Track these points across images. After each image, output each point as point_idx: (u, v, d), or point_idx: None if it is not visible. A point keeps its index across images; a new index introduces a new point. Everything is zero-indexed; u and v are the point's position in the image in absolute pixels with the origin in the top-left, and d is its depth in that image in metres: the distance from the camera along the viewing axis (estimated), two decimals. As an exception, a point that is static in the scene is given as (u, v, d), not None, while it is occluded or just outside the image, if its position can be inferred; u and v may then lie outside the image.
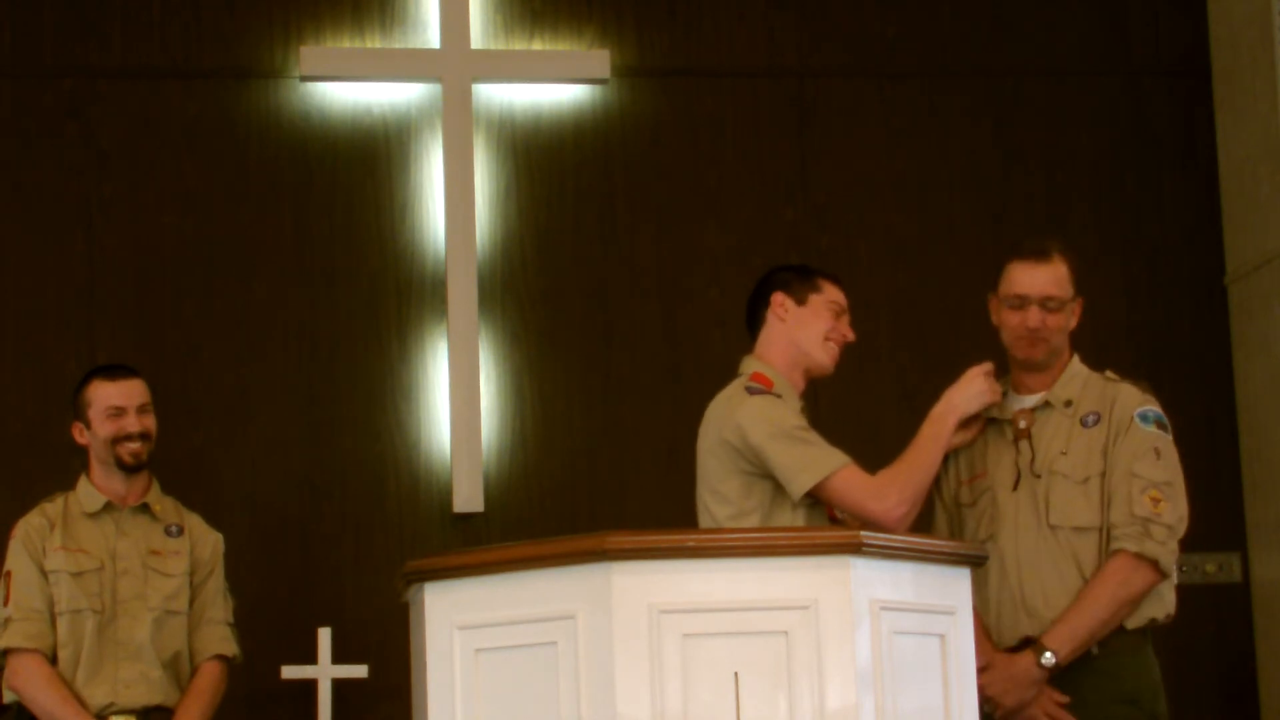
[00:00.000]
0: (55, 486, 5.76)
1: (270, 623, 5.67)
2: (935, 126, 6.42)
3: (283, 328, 6.06)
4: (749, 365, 4.57)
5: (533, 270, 6.20)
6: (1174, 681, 6.10)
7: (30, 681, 4.93)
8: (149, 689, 4.98)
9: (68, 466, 5.85)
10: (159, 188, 6.08)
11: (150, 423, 5.09)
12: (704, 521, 4.45)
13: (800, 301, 4.54)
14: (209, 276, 6.05)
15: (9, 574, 5.03)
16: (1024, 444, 4.57)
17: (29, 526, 5.07)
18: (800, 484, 4.26)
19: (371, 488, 6.02)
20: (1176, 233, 6.45)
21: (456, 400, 5.99)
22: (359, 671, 5.70)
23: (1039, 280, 4.56)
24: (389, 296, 6.12)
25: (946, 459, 4.57)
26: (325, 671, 5.65)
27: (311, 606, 5.79)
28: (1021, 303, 4.56)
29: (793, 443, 4.30)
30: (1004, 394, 4.62)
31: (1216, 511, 6.25)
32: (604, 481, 6.12)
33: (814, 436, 4.34)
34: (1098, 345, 6.14)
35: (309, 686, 5.65)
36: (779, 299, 4.56)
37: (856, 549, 3.39)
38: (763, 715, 3.30)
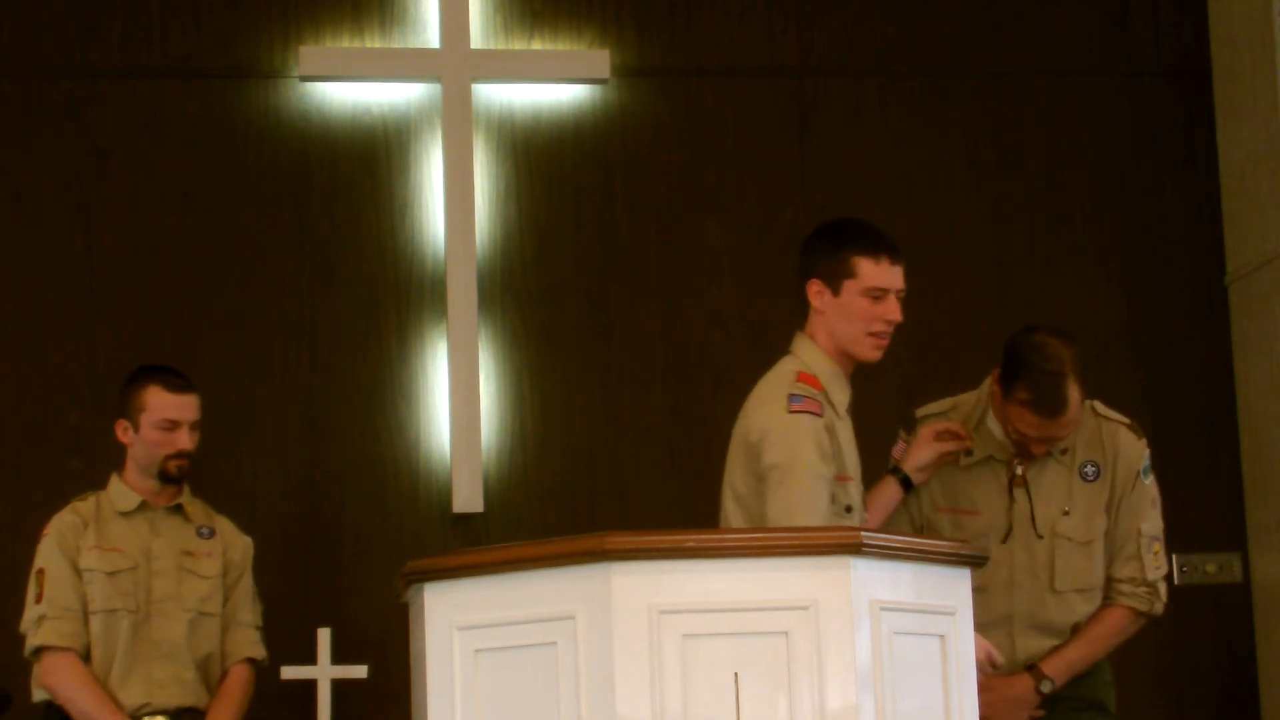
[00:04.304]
0: (55, 486, 5.77)
1: (270, 623, 5.66)
2: (935, 126, 6.41)
3: (283, 328, 6.06)
4: (800, 347, 4.28)
5: (533, 270, 6.20)
6: (1174, 681, 6.13)
7: (66, 681, 4.91)
8: (182, 690, 4.98)
9: (67, 466, 5.87)
10: (159, 188, 6.08)
11: (197, 439, 5.09)
12: (724, 510, 4.29)
13: (835, 290, 4.21)
14: (209, 276, 6.05)
15: (42, 571, 4.99)
16: (1020, 493, 4.55)
17: (62, 524, 5.02)
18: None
19: (371, 488, 6.02)
20: (1176, 233, 6.45)
21: (456, 400, 5.99)
22: (359, 672, 5.69)
23: (1063, 432, 4.49)
24: (388, 297, 6.11)
25: (918, 487, 4.60)
26: (325, 672, 5.65)
27: (311, 606, 5.79)
28: (1030, 441, 4.50)
29: (789, 484, 4.08)
30: (980, 427, 4.61)
31: (1216, 511, 6.25)
32: (604, 481, 6.12)
33: (814, 481, 4.10)
34: (1098, 345, 6.17)
35: (309, 687, 5.65)
36: (815, 288, 4.24)
37: (856, 549, 3.38)
38: (763, 715, 3.30)
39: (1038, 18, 6.50)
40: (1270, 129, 6.08)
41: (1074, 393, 4.42)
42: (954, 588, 3.63)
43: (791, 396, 4.15)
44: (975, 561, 3.73)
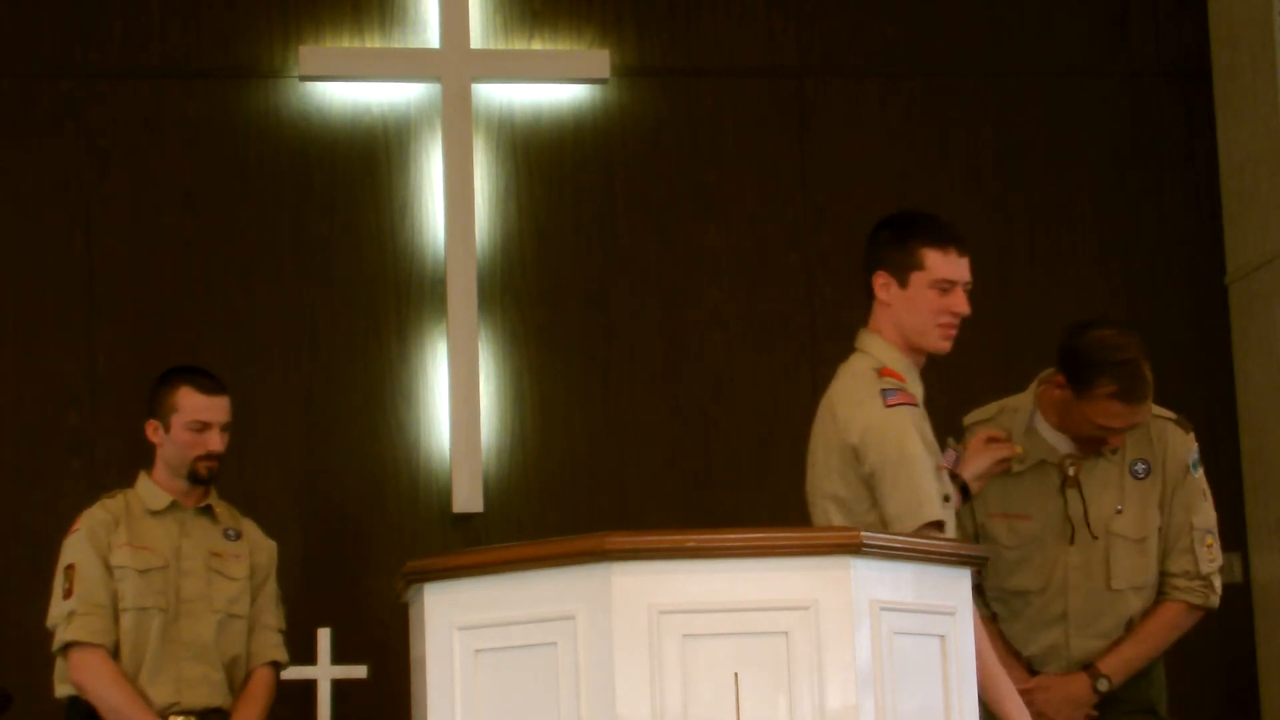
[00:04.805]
0: (55, 486, 5.77)
1: (270, 623, 5.67)
2: (935, 126, 6.41)
3: (283, 328, 6.06)
4: (869, 344, 4.17)
5: (532, 270, 6.20)
6: (1174, 681, 6.10)
7: (97, 677, 4.87)
8: (210, 690, 4.96)
9: (67, 467, 5.86)
10: (159, 188, 6.08)
11: (227, 441, 5.06)
12: (819, 518, 4.18)
13: (903, 283, 4.11)
14: (209, 276, 6.05)
15: (72, 567, 4.93)
16: (1073, 494, 4.56)
17: (93, 520, 4.97)
18: (903, 528, 3.97)
19: (371, 488, 6.02)
20: (1176, 233, 6.45)
21: (456, 400, 5.99)
22: (359, 672, 5.70)
23: (1146, 416, 4.52)
24: (389, 297, 6.11)
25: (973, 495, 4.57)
26: (325, 672, 5.65)
27: (311, 606, 5.78)
28: (1113, 432, 4.52)
29: (906, 479, 3.98)
30: (1029, 431, 4.60)
31: (1217, 511, 6.23)
32: (604, 481, 6.11)
33: (928, 472, 4.01)
34: (1098, 345, 6.14)
35: (309, 687, 5.65)
36: (881, 280, 4.13)
37: (857, 549, 3.38)
38: (763, 716, 3.30)
39: (1038, 18, 6.50)
40: (1270, 129, 6.08)
41: (1150, 374, 4.45)
42: (954, 588, 3.63)
43: (884, 391, 4.05)
44: (975, 562, 3.73)
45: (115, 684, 4.87)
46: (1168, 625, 4.61)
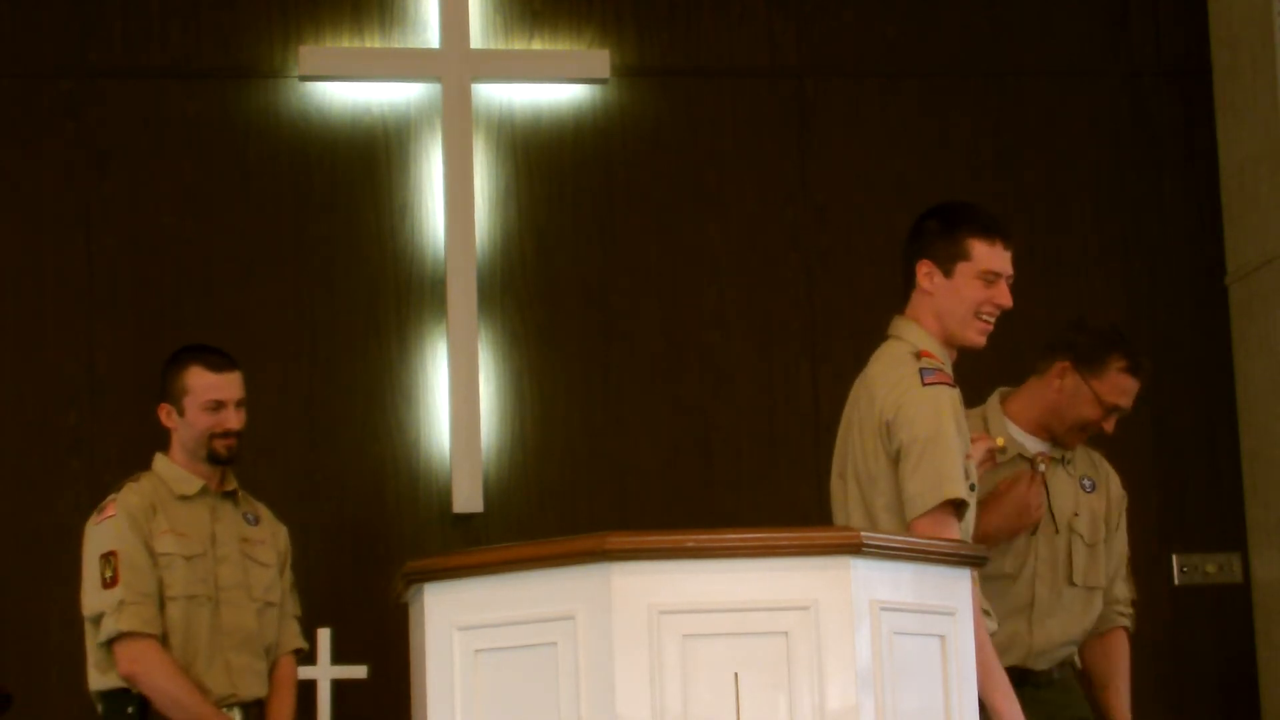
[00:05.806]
0: (55, 486, 5.76)
1: (270, 623, 5.66)
2: (935, 126, 6.41)
3: (282, 328, 6.06)
4: (906, 330, 4.15)
5: (532, 270, 6.20)
6: (1174, 682, 6.13)
7: (154, 668, 4.71)
8: (255, 680, 4.87)
9: (67, 466, 5.86)
10: (159, 188, 6.08)
11: (244, 417, 4.91)
12: (846, 506, 4.15)
13: (948, 273, 4.11)
14: (208, 276, 6.05)
15: (114, 554, 4.73)
16: (1040, 490, 4.73)
17: (130, 506, 4.79)
18: (922, 505, 3.97)
19: (371, 488, 6.02)
20: (1176, 233, 6.45)
21: (456, 400, 5.99)
22: (359, 672, 5.69)
23: (1135, 396, 4.78)
24: (389, 297, 6.11)
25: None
26: (325, 672, 5.65)
27: (311, 607, 5.77)
28: (1119, 411, 4.78)
29: (932, 458, 3.96)
30: (989, 429, 4.74)
31: (1216, 511, 6.25)
32: (604, 481, 6.11)
33: (957, 454, 4.00)
34: (1098, 345, 6.14)
35: (309, 687, 5.65)
36: (924, 268, 4.12)
37: (857, 549, 3.38)
38: (763, 716, 3.30)
39: (1038, 18, 6.50)
40: (1270, 129, 6.08)
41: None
42: (954, 588, 3.63)
43: (923, 370, 4.03)
44: (975, 562, 3.73)
45: (173, 675, 4.72)
46: (1126, 654, 4.91)
